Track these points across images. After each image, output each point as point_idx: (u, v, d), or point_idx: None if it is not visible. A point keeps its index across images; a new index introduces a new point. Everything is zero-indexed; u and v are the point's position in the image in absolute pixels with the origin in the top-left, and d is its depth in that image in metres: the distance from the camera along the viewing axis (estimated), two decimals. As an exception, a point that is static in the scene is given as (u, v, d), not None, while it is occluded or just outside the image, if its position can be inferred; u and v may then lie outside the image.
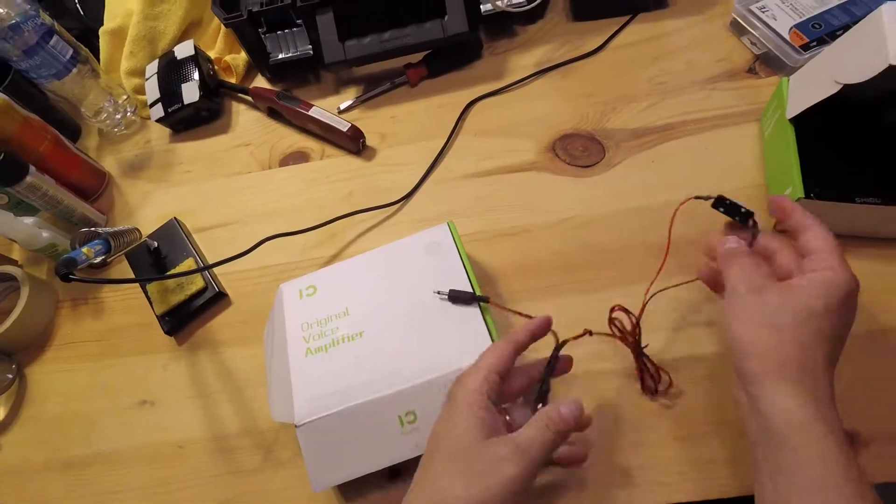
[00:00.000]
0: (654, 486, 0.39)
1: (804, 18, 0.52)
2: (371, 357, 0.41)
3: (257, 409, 0.50)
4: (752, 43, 0.56)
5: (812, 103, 0.41)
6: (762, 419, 0.28)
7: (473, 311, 0.42)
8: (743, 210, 0.37)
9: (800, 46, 0.51)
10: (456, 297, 0.43)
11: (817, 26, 0.51)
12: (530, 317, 0.39)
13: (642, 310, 0.41)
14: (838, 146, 0.42)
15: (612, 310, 0.40)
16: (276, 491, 0.46)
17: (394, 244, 0.48)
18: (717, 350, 0.43)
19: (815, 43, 0.51)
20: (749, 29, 0.55)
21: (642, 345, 0.41)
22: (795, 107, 0.43)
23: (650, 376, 0.42)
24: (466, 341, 0.41)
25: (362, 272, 0.47)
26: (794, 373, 0.28)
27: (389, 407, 0.39)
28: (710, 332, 0.44)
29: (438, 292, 0.43)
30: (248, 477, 0.47)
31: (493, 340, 0.40)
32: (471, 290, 0.43)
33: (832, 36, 0.50)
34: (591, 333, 0.39)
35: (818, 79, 0.42)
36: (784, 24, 0.52)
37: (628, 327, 0.41)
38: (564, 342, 0.38)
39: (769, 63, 0.54)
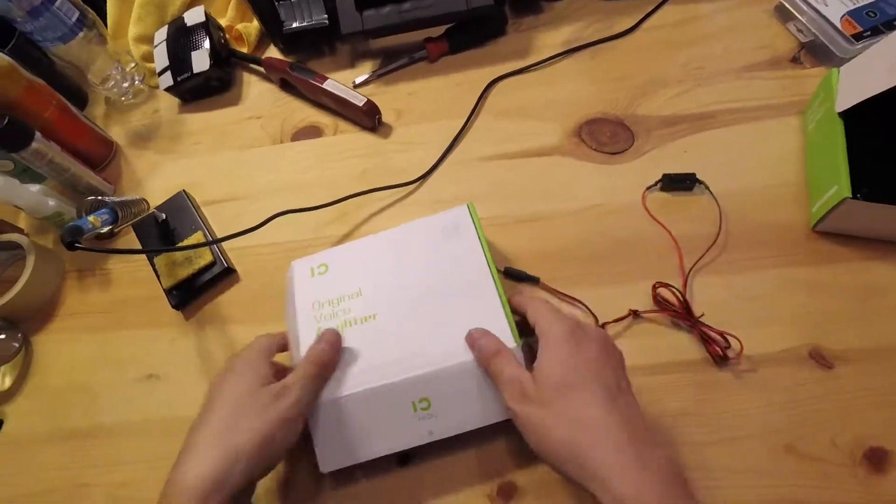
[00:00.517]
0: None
1: (858, 6, 0.49)
2: (384, 341, 0.40)
3: (264, 391, 0.49)
4: (798, 30, 0.52)
5: (865, 97, 0.38)
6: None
7: (489, 298, 0.40)
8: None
9: (851, 35, 0.47)
10: (509, 274, 0.46)
11: (872, 15, 0.48)
12: (581, 302, 0.44)
13: (685, 283, 0.42)
14: (891, 144, 0.39)
15: (654, 287, 0.43)
16: (282, 472, 0.45)
17: (410, 224, 0.46)
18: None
19: (868, 32, 0.47)
20: (796, 14, 0.52)
21: (697, 315, 0.42)
22: (846, 100, 0.40)
23: (715, 343, 0.41)
24: (484, 326, 0.39)
25: (377, 252, 0.45)
26: (597, 459, 0.29)
27: (402, 393, 0.38)
28: (759, 306, 0.43)
29: (500, 270, 0.44)
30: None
31: (509, 328, 0.38)
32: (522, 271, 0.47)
33: (888, 26, 0.47)
34: (637, 314, 0.39)
35: (873, 71, 0.39)
36: (836, 11, 0.49)
37: (675, 303, 0.42)
38: (605, 325, 0.38)
39: (815, 52, 0.51)
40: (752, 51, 0.53)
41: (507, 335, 0.38)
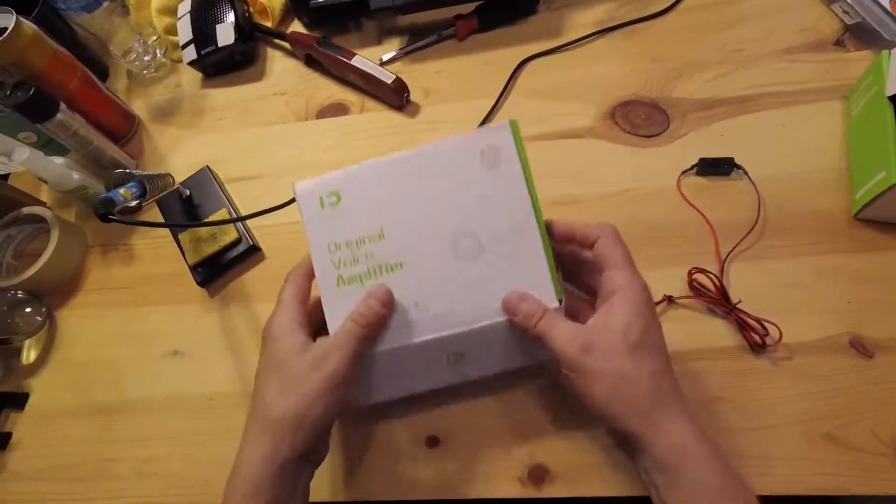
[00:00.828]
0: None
1: (908, -14, 0.47)
2: (415, 294, 0.36)
3: (290, 369, 0.49)
4: (844, 11, 0.51)
5: (920, 80, 0.37)
6: (649, 457, 0.30)
7: (531, 245, 0.35)
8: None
9: (901, 17, 0.46)
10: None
11: (922, -5, 0.47)
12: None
13: (722, 269, 0.41)
14: (944, 130, 0.38)
15: (689, 273, 0.42)
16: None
17: (438, 144, 0.37)
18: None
19: (919, 14, 0.46)
20: (842, -5, 0.50)
21: (734, 301, 0.42)
22: (898, 83, 0.39)
23: (752, 330, 0.41)
24: (523, 281, 0.35)
25: (398, 181, 0.37)
26: (661, 410, 0.30)
27: (435, 349, 0.36)
28: (798, 293, 0.43)
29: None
30: (280, 436, 0.46)
31: (552, 284, 0.35)
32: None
33: (940, 7, 0.45)
34: (671, 299, 0.38)
35: (929, 53, 0.37)
36: (885, -8, 0.47)
37: (711, 289, 0.41)
38: None
39: (861, 35, 0.50)
40: (793, 33, 0.52)
41: (548, 292, 0.35)
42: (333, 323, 0.36)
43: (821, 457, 0.38)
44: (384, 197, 0.37)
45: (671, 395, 0.31)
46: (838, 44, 0.50)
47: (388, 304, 0.35)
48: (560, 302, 0.35)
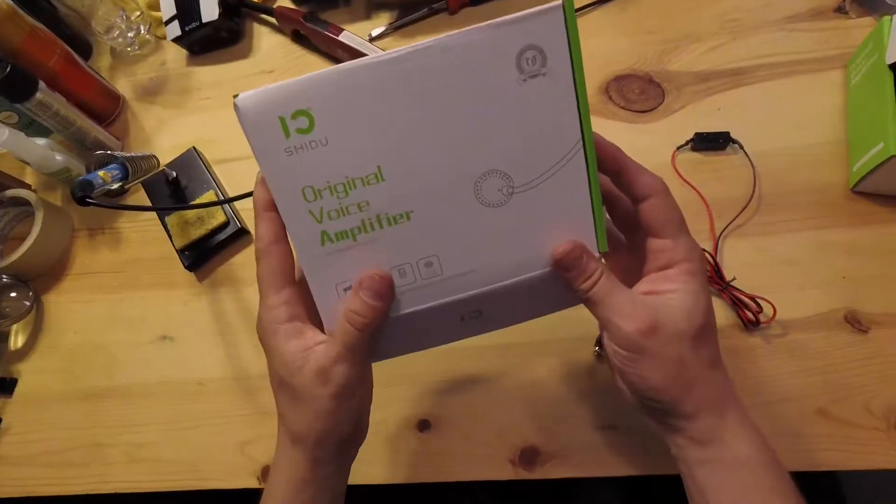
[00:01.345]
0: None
1: (912, -51, 0.46)
2: (426, 251, 0.28)
3: (280, 351, 0.48)
4: (845, -24, 0.49)
5: (923, 47, 0.35)
6: (690, 434, 0.29)
7: (575, 182, 0.27)
8: None
9: (904, -18, 0.45)
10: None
11: (927, -41, 0.45)
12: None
13: (716, 246, 0.40)
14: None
15: None
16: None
17: (454, 38, 0.25)
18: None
19: (923, -21, 0.44)
20: (843, -40, 0.48)
21: (727, 279, 0.41)
22: (900, 51, 0.38)
23: (746, 307, 0.40)
24: (560, 227, 0.28)
25: (397, 95, 0.25)
26: (713, 398, 0.28)
27: (451, 309, 0.30)
28: (794, 269, 0.42)
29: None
30: (270, 419, 0.46)
31: (595, 232, 0.28)
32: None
33: (944, -29, 0.44)
34: None
35: (932, 18, 0.36)
36: (888, -44, 0.46)
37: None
38: None
39: (863, 2, 0.48)
40: (792, 1, 0.50)
41: (590, 240, 0.28)
42: (324, 300, 0.28)
43: (815, 432, 0.37)
44: (379, 119, 0.26)
45: (725, 381, 0.29)
46: (839, 10, 0.49)
47: (386, 296, 0.28)
48: (601, 256, 0.29)
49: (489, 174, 0.27)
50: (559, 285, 0.29)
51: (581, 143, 0.26)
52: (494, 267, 0.28)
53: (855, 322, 0.39)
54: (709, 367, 0.28)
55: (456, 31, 0.25)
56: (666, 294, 0.28)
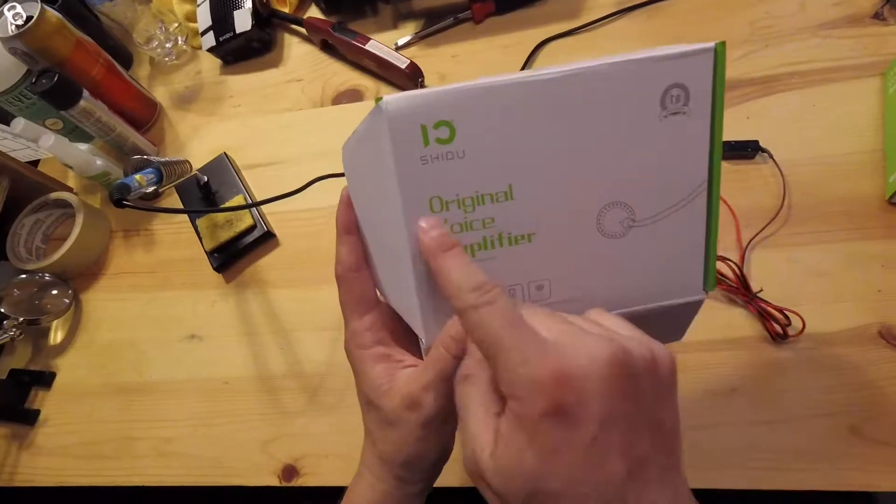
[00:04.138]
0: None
1: (955, -47, 0.44)
2: (538, 275, 0.28)
3: (303, 353, 0.49)
4: (883, -19, 0.48)
5: (965, 53, 0.34)
6: None
7: (693, 223, 0.27)
8: None
9: (946, -13, 0.43)
10: None
11: (971, -37, 0.43)
12: None
13: (742, 256, 0.39)
14: None
15: None
16: (318, 436, 0.46)
17: (602, 66, 0.25)
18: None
19: (966, -17, 0.43)
20: (881, -35, 0.47)
21: (754, 290, 0.40)
22: (941, 57, 0.37)
23: (774, 320, 0.39)
24: (669, 265, 0.28)
25: (538, 116, 0.26)
26: None
27: None
28: (825, 282, 0.41)
29: None
30: (291, 419, 0.47)
31: (704, 268, 0.28)
32: None
33: None
34: None
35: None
36: (929, -40, 0.44)
37: (731, 278, 0.39)
38: None
39: (902, 7, 0.47)
40: (828, 7, 0.49)
41: (696, 279, 0.28)
42: (429, 313, 0.27)
43: (846, 451, 0.36)
44: (518, 137, 0.26)
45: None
46: (877, 17, 0.47)
47: (460, 351, 0.26)
48: (705, 297, 0.28)
49: (613, 205, 0.27)
50: (654, 324, 0.28)
51: (706, 186, 0.27)
52: (598, 298, 0.28)
53: (890, 337, 0.38)
54: None
55: (600, 59, 0.25)
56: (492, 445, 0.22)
